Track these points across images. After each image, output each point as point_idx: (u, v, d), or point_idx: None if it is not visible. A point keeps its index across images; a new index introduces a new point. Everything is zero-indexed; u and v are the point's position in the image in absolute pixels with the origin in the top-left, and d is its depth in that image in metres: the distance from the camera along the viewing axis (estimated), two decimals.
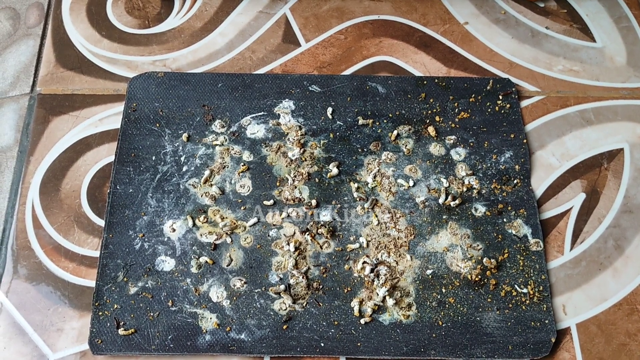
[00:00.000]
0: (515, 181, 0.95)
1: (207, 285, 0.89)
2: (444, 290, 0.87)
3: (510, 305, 0.86)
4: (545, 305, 0.86)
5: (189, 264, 0.90)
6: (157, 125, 1.00)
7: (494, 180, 0.95)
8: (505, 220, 0.92)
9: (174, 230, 0.92)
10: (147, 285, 0.88)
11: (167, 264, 0.90)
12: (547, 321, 0.84)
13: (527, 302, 0.86)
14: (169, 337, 0.84)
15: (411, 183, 0.96)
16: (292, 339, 0.84)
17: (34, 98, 1.04)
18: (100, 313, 0.86)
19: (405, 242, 0.91)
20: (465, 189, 0.95)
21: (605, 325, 0.85)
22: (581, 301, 0.87)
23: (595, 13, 1.16)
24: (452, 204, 0.94)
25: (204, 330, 0.85)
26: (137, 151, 0.98)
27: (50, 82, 1.07)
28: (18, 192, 0.97)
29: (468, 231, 0.92)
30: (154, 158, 0.98)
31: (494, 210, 0.93)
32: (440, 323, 0.85)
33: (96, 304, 0.87)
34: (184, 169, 0.97)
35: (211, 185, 0.96)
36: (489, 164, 0.96)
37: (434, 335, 0.84)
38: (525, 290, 0.87)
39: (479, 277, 0.88)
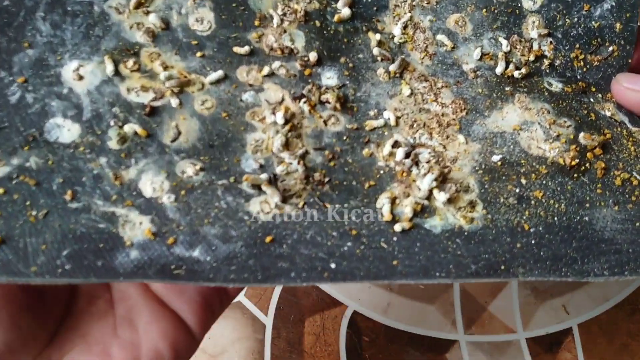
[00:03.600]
0: (611, 48, 0.64)
1: (136, 169, 0.53)
2: (523, 181, 0.56)
3: (634, 198, 0.56)
4: None
5: (106, 133, 0.53)
6: None
7: (578, 45, 0.65)
8: (592, 100, 0.62)
9: (80, 77, 0.55)
10: (28, 165, 0.51)
11: (66, 130, 0.53)
12: None
13: None
14: (65, 253, 0.48)
15: (456, 42, 0.63)
16: (281, 259, 0.51)
17: None
18: None
19: (455, 119, 0.59)
20: (532, 58, 0.64)
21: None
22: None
23: None
24: (516, 74, 0.62)
25: (128, 243, 0.50)
26: None
27: None
28: None
29: (546, 105, 0.61)
30: None
31: (575, 87, 0.63)
32: (526, 227, 0.54)
33: None
34: None
35: (147, 12, 0.58)
36: (575, 18, 0.65)
37: (518, 245, 0.53)
38: None
39: (577, 160, 0.57)
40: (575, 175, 0.57)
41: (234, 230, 0.51)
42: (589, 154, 0.58)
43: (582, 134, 0.58)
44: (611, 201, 0.56)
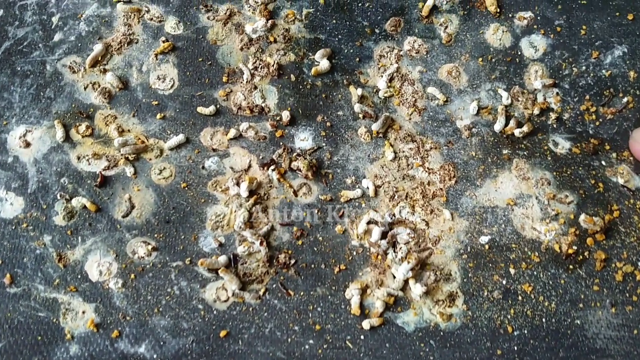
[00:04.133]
0: (625, 99, 0.57)
1: (83, 249, 0.48)
2: (512, 271, 0.50)
3: (635, 298, 0.49)
4: None
5: (52, 207, 0.49)
6: None
7: (587, 97, 0.57)
8: (604, 163, 0.55)
9: (27, 144, 0.50)
10: None
11: (8, 204, 0.49)
12: None
13: None
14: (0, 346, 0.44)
15: (450, 95, 0.57)
16: (235, 358, 0.45)
17: None
18: None
19: (442, 189, 0.53)
20: (536, 111, 0.57)
21: None
22: None
23: None
24: (517, 132, 0.55)
25: (68, 335, 0.45)
26: None
27: None
28: None
29: (547, 174, 0.54)
30: (1, 13, 0.54)
31: (586, 146, 0.56)
32: (509, 329, 0.48)
33: None
34: (56, 37, 0.54)
35: (104, 71, 0.53)
36: (583, 67, 0.58)
37: (498, 351, 0.47)
38: None
39: (575, 247, 0.51)
40: (571, 266, 0.50)
41: (186, 321, 0.46)
42: (589, 240, 0.51)
43: (583, 216, 0.51)
44: (608, 301, 0.49)
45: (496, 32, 0.58)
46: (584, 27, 0.58)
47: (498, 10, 0.59)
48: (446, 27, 0.58)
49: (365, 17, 0.58)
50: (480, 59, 0.58)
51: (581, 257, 0.50)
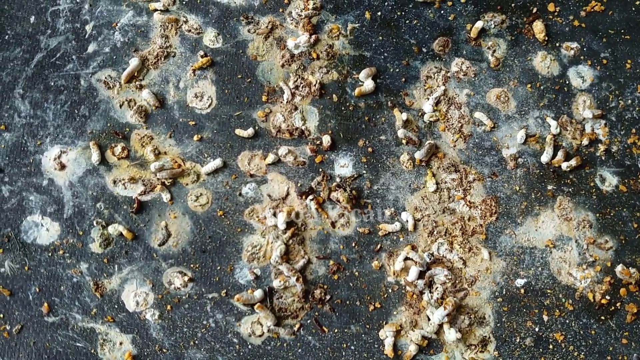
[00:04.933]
0: None
1: (119, 278, 0.48)
2: (545, 318, 0.49)
3: None
4: None
5: (88, 234, 0.48)
6: None
7: (634, 130, 0.55)
8: None
9: (62, 166, 0.49)
10: (1, 270, 0.47)
11: (44, 230, 0.48)
12: None
13: None
14: None
15: (497, 121, 0.54)
16: None
17: None
18: None
19: (482, 226, 0.52)
20: (585, 141, 0.54)
21: None
22: None
23: None
24: (564, 165, 0.53)
25: None
26: None
27: None
28: None
29: (590, 215, 0.52)
30: (33, 20, 0.51)
31: (633, 183, 0.54)
32: None
33: None
34: (90, 48, 0.51)
35: (140, 87, 0.51)
36: (629, 100, 0.55)
37: None
38: None
39: (608, 298, 0.50)
40: (603, 317, 0.49)
41: (221, 355, 0.47)
42: (622, 290, 0.50)
43: (620, 267, 0.50)
44: (635, 355, 0.48)
45: (544, 59, 0.55)
46: (629, 61, 0.55)
47: (546, 37, 0.55)
48: (494, 50, 0.55)
49: (413, 35, 0.55)
50: (529, 85, 0.55)
51: (613, 307, 0.50)
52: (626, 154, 0.55)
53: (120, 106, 0.51)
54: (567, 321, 0.50)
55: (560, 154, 0.54)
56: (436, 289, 0.49)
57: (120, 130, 0.50)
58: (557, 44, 0.56)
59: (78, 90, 0.50)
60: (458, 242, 0.51)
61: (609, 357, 0.49)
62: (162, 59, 0.52)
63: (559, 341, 0.49)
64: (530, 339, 0.49)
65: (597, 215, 0.52)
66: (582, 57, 0.56)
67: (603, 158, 0.54)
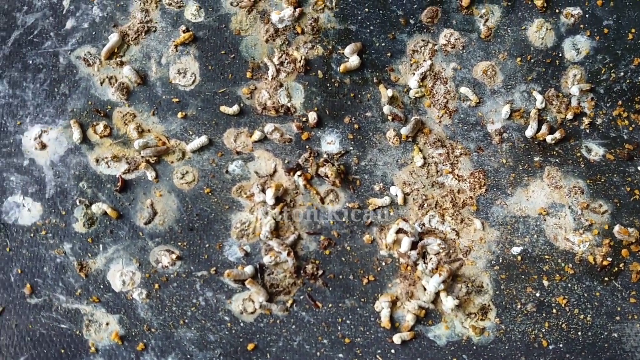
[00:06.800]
0: None
1: (105, 257, 0.47)
2: (546, 283, 0.49)
3: None
4: None
5: (71, 213, 0.47)
6: None
7: (620, 102, 0.55)
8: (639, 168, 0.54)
9: (43, 146, 0.48)
10: None
11: (26, 211, 0.47)
12: None
13: None
14: (22, 359, 0.44)
15: (483, 96, 0.54)
16: None
17: None
18: None
19: (472, 198, 0.52)
20: (569, 115, 0.54)
21: None
22: None
23: None
24: (548, 138, 0.53)
25: (92, 348, 0.45)
26: None
27: None
28: None
29: (580, 182, 0.53)
30: None
31: (620, 152, 0.54)
32: (544, 343, 0.48)
33: None
34: (68, 24, 0.50)
35: (121, 63, 0.50)
36: (621, 73, 0.55)
37: None
38: None
39: (610, 259, 0.50)
40: (606, 278, 0.50)
41: (213, 333, 0.46)
42: (624, 252, 0.50)
43: (617, 228, 0.50)
44: None
45: (539, 29, 0.55)
46: (632, 30, 0.55)
47: (545, 4, 0.55)
48: (487, 19, 0.55)
49: (400, 5, 0.54)
50: (519, 59, 0.55)
51: (616, 268, 0.50)
52: (611, 126, 0.55)
53: (101, 83, 0.49)
54: (569, 285, 0.50)
55: (544, 128, 0.54)
56: (430, 259, 0.49)
57: (102, 108, 0.49)
58: (557, 10, 0.55)
59: (57, 68, 0.49)
60: (449, 214, 0.51)
61: (617, 318, 0.49)
62: (143, 34, 0.51)
63: (563, 305, 0.49)
64: (532, 305, 0.49)
65: (588, 181, 0.53)
66: (581, 26, 0.55)
67: (587, 131, 0.55)
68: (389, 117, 0.53)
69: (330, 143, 0.52)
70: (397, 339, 0.47)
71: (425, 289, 0.48)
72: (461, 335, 0.48)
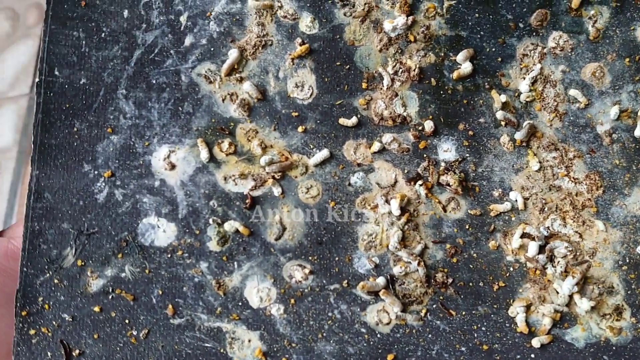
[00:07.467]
0: None
1: (240, 275, 0.47)
2: None
3: None
4: None
5: (204, 232, 0.47)
6: None
7: None
8: None
9: (172, 166, 0.48)
10: (123, 275, 0.46)
11: (161, 232, 0.47)
12: None
13: None
14: None
15: (591, 97, 0.54)
16: None
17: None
18: (32, 331, 0.44)
19: (590, 199, 0.52)
20: None
21: None
22: None
23: None
24: None
25: None
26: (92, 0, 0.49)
27: None
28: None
29: None
30: (126, 14, 0.49)
31: None
32: None
33: (23, 313, 0.44)
34: (187, 41, 0.50)
35: (240, 79, 0.50)
36: None
37: None
38: None
39: None
40: None
41: (351, 346, 0.47)
42: None
43: None
44: None
45: None
46: None
47: None
48: (595, 20, 0.55)
49: (510, 9, 0.54)
50: (628, 59, 0.55)
51: None
52: None
53: (223, 100, 0.49)
54: None
55: None
56: (558, 262, 0.50)
57: (226, 125, 0.49)
58: None
59: (180, 86, 0.49)
60: (570, 216, 0.51)
61: None
62: (260, 48, 0.50)
63: None
64: None
65: None
66: None
67: None
68: (502, 123, 0.53)
69: (447, 151, 0.52)
70: (536, 342, 0.47)
71: (557, 292, 0.49)
72: (599, 337, 0.49)
